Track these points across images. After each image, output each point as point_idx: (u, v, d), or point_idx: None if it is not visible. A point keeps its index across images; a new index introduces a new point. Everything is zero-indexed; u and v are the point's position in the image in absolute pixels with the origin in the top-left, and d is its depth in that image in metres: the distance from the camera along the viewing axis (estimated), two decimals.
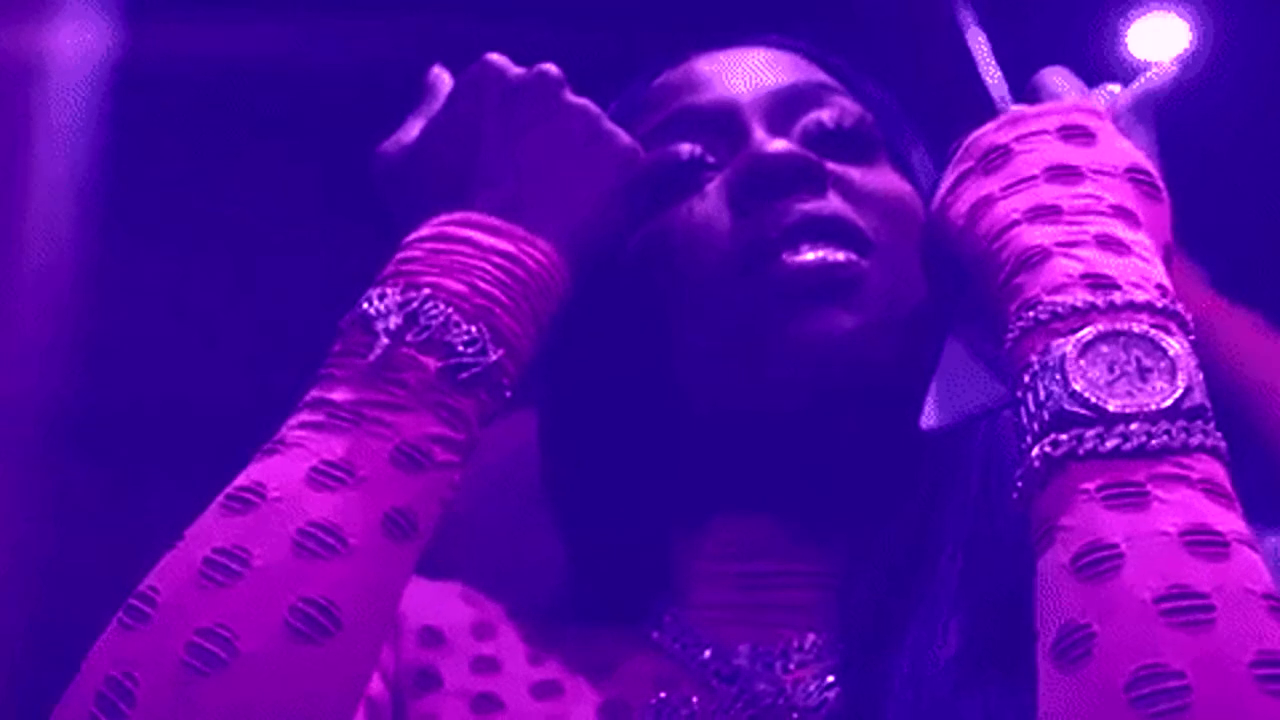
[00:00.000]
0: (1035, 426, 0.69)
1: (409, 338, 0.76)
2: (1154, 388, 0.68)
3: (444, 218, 0.81)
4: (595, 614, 0.88)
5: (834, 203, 0.85)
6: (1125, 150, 0.80)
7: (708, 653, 0.83)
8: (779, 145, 0.85)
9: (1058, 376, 0.69)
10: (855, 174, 0.87)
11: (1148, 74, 0.85)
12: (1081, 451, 0.67)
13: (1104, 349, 0.69)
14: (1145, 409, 0.68)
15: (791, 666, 0.82)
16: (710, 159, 0.87)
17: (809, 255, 0.82)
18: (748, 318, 0.83)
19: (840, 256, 0.83)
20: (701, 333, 0.84)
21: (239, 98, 2.18)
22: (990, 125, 0.82)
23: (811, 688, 0.80)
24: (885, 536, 0.84)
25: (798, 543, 0.85)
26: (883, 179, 0.88)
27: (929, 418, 0.79)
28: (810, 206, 0.84)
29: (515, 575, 0.92)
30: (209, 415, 2.00)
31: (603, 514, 0.90)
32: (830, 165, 0.86)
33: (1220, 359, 0.78)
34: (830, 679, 0.80)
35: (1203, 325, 0.72)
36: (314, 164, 2.12)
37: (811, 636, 0.82)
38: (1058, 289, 0.72)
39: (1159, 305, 0.71)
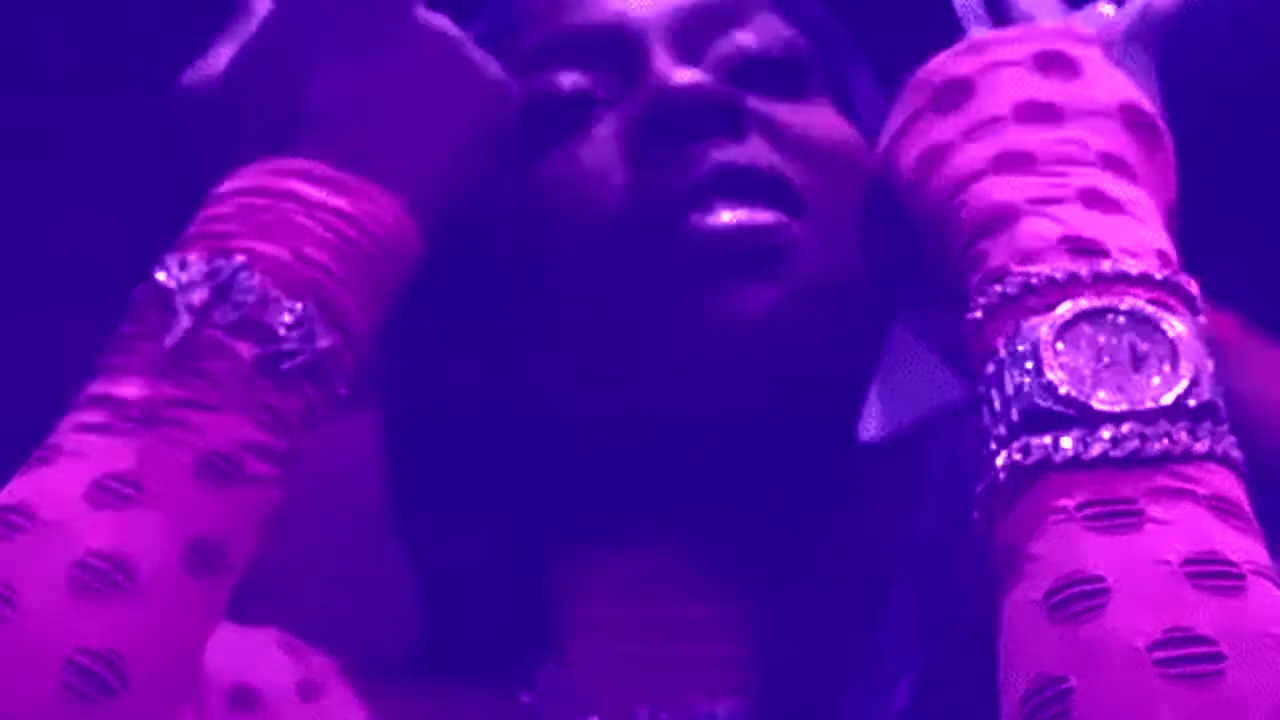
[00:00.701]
0: (1001, 429, 0.69)
1: (217, 317, 0.75)
2: (1150, 380, 0.68)
3: (262, 165, 0.80)
4: (452, 669, 0.87)
5: (757, 149, 0.84)
6: (1118, 85, 0.80)
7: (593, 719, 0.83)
8: (687, 76, 0.83)
9: (1029, 365, 0.69)
10: (784, 113, 0.85)
11: None
12: (1058, 459, 0.67)
13: (1088, 330, 0.69)
14: (1139, 406, 0.67)
15: None
16: (601, 94, 0.86)
17: (725, 216, 0.81)
18: (647, 294, 0.82)
19: (764, 217, 0.82)
20: (588, 313, 0.84)
21: None
22: (947, 53, 0.82)
23: None
24: (820, 570, 0.83)
25: (708, 581, 0.84)
26: (818, 119, 0.87)
27: (871, 425, 0.79)
28: (726, 155, 0.82)
29: (350, 620, 0.92)
30: None
31: (461, 544, 0.89)
32: (752, 102, 0.85)
33: (1245, 398, 0.78)
34: None
35: (1225, 358, 0.72)
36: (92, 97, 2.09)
37: (726, 701, 0.82)
38: (1031, 256, 0.72)
39: (1158, 277, 0.71)
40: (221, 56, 0.85)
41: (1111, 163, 0.76)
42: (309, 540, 0.99)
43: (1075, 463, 0.67)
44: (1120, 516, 0.66)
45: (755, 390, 0.82)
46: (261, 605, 0.81)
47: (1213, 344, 0.71)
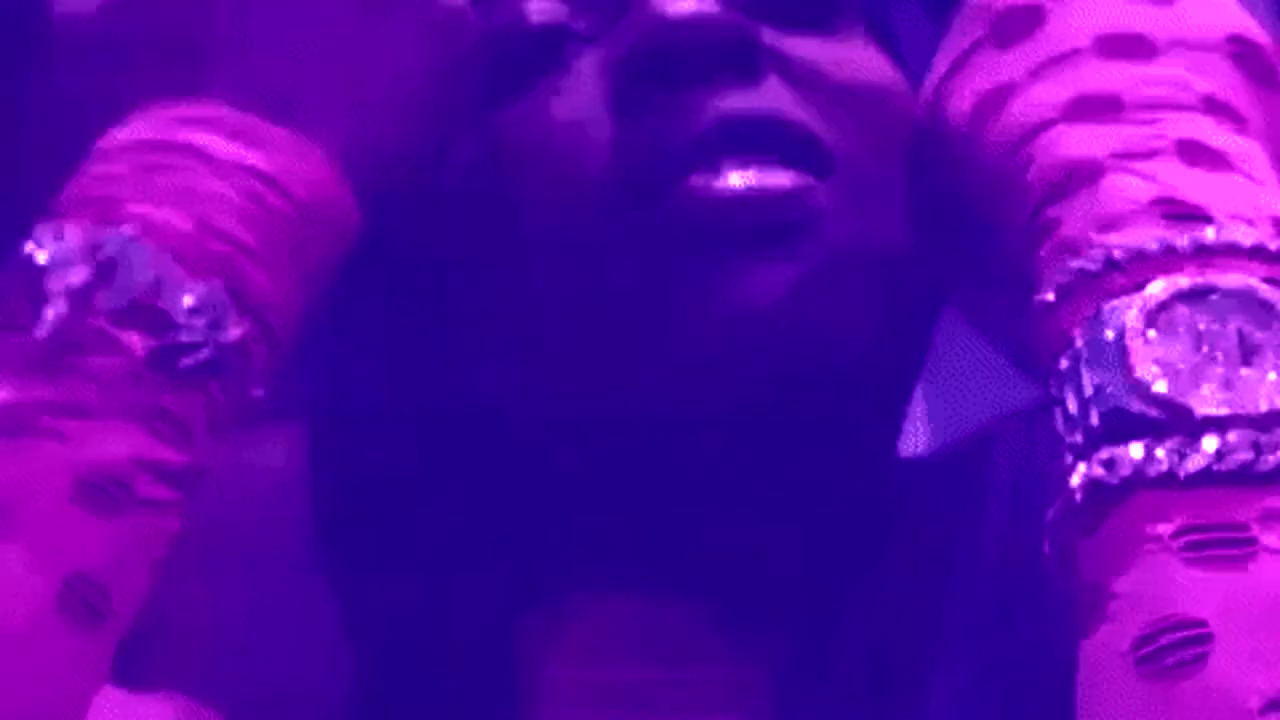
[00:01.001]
0: (1078, 437, 0.66)
1: (101, 302, 0.70)
2: (1264, 375, 0.65)
3: (162, 111, 0.75)
4: None
5: (774, 94, 0.79)
6: (1224, 9, 0.77)
7: None
8: (687, 4, 0.78)
9: (1114, 358, 0.66)
10: (809, 49, 0.81)
11: None
12: (1151, 474, 0.63)
13: (1185, 313, 0.66)
14: (1248, 409, 0.64)
15: None
16: (580, 25, 0.81)
17: (735, 179, 0.77)
18: (638, 275, 0.77)
19: (783, 180, 0.77)
20: (564, 298, 0.79)
21: None
22: None
23: None
24: (854, 616, 0.81)
25: (711, 636, 0.81)
26: (852, 56, 0.82)
27: (917, 437, 0.77)
28: (736, 103, 0.78)
29: (270, 682, 0.88)
30: None
31: (406, 586, 0.86)
32: (769, 36, 0.80)
33: None
34: None
35: None
36: None
37: None
38: (1114, 223, 0.69)
39: (1273, 248, 0.68)
40: None
41: (1215, 107, 0.73)
42: (217, 582, 0.96)
43: (1170, 479, 0.63)
44: (1227, 546, 0.62)
45: (771, 391, 0.78)
46: (157, 663, 0.78)
47: None
